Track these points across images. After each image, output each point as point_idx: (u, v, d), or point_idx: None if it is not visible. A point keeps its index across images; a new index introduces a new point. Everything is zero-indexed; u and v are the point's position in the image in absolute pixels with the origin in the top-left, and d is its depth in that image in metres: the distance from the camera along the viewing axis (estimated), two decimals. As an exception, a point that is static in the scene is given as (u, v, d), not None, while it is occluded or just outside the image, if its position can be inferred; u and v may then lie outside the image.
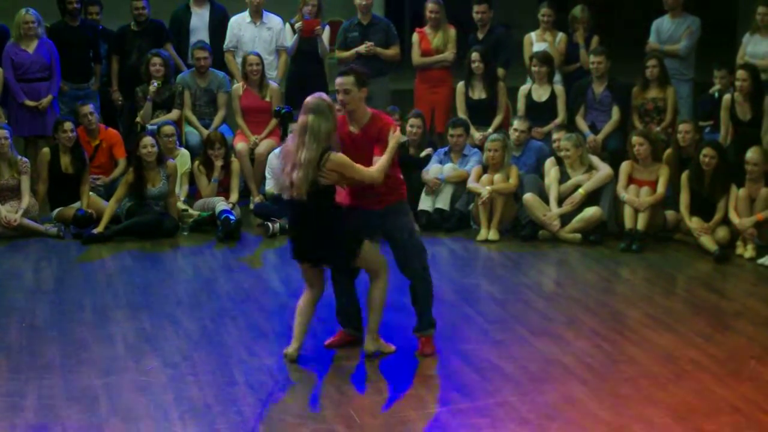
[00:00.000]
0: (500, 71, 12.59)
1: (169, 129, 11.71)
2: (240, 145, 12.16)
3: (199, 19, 13.15)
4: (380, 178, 7.38)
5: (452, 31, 12.93)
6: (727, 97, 11.54)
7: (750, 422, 6.70)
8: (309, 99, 7.36)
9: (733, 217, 10.54)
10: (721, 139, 11.41)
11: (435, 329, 7.85)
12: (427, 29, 12.95)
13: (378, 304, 7.67)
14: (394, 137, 7.48)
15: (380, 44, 12.86)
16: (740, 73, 11.32)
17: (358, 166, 7.34)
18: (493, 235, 10.99)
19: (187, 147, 12.11)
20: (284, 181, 7.37)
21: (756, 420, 6.73)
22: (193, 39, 12.96)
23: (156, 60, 12.29)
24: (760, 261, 10.19)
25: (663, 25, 12.98)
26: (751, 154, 10.60)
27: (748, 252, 10.38)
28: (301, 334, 7.67)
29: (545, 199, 11.08)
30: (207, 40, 12.89)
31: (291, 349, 7.64)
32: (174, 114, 12.35)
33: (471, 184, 11.25)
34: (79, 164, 11.36)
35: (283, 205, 11.10)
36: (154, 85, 12.21)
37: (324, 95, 7.39)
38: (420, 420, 6.79)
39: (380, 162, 7.36)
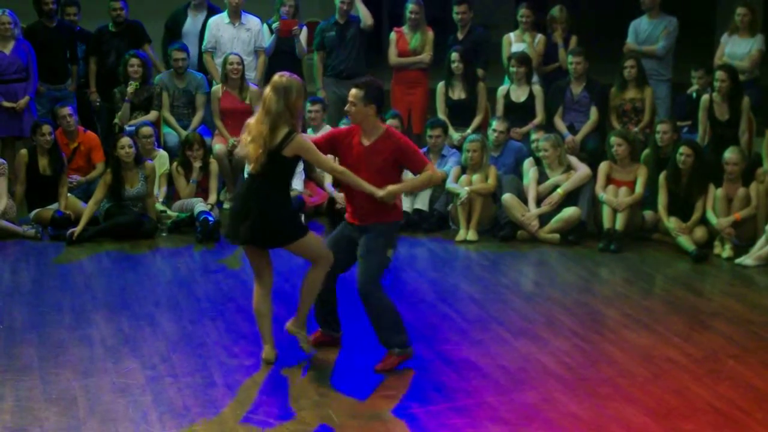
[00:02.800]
0: (480, 72, 12.60)
1: (147, 130, 11.68)
2: (218, 146, 12.14)
3: (193, 24, 13.15)
4: (339, 178, 7.53)
5: (430, 34, 12.93)
6: (705, 97, 11.58)
7: (728, 421, 6.73)
8: (276, 75, 7.39)
9: (711, 217, 10.59)
10: (699, 139, 11.45)
11: (398, 349, 7.57)
12: (405, 29, 12.95)
13: (308, 288, 7.55)
14: (430, 175, 7.58)
15: (357, 43, 12.87)
16: (719, 74, 11.36)
17: (322, 156, 7.38)
18: (471, 235, 11.00)
19: (165, 148, 12.09)
20: (242, 150, 7.52)
21: (734, 419, 6.76)
22: (179, 43, 12.96)
23: (134, 61, 12.26)
24: (738, 261, 10.23)
25: (641, 25, 13.00)
26: (730, 154, 10.66)
27: (726, 252, 10.42)
28: (269, 334, 7.64)
29: (524, 200, 11.09)
30: (197, 45, 12.90)
31: (266, 353, 7.63)
32: (152, 115, 12.32)
33: (450, 184, 11.26)
34: (57, 166, 11.31)
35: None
36: (132, 86, 12.18)
37: (291, 76, 7.35)
38: (399, 420, 6.79)
39: (359, 179, 7.40)
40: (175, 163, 11.68)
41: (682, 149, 10.65)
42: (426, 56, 12.83)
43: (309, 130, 12.05)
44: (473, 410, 6.90)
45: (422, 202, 11.43)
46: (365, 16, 12.87)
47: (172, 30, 13.28)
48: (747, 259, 10.19)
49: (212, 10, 13.23)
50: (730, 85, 11.31)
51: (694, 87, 12.24)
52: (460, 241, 10.96)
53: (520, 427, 6.69)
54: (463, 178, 11.20)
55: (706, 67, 12.21)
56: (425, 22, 12.95)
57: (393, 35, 13.04)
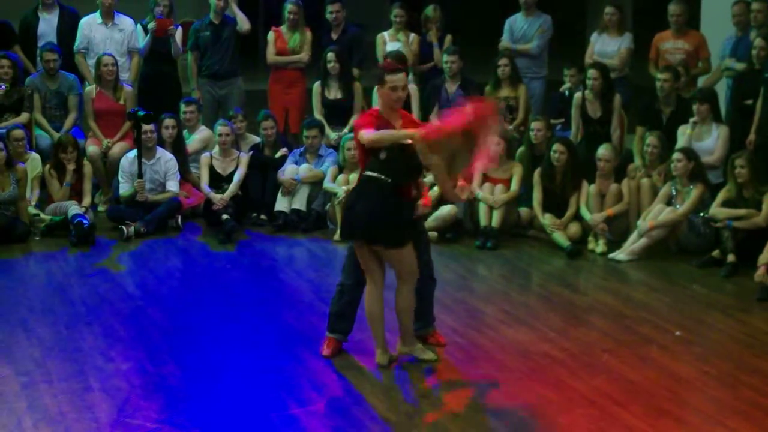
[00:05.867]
0: (355, 71, 12.62)
1: (18, 133, 11.47)
2: (92, 148, 11.97)
3: (47, 25, 12.88)
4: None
5: (309, 34, 12.92)
6: (578, 95, 11.75)
7: (604, 414, 6.83)
8: None
9: (585, 213, 10.75)
10: (572, 136, 11.62)
11: (331, 333, 7.82)
12: (283, 29, 12.92)
13: (406, 309, 7.60)
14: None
15: (232, 43, 12.81)
16: (591, 72, 11.53)
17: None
18: (349, 234, 10.99)
19: (37, 150, 11.87)
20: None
21: (609, 412, 6.86)
22: (41, 45, 12.70)
23: (4, 62, 12.02)
24: (611, 256, 10.40)
25: (516, 23, 13.17)
26: (603, 150, 10.84)
27: (600, 247, 10.58)
28: (384, 337, 7.62)
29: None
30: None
31: (378, 356, 7.60)
32: (23, 117, 12.09)
33: (327, 184, 11.26)
34: (-76, 170, 11.06)
35: (138, 208, 11.12)
36: (1, 87, 11.94)
37: None
38: (280, 421, 6.76)
39: None
40: (47, 166, 11.49)
41: (556, 147, 10.80)
42: (304, 56, 12.82)
43: (185, 132, 11.97)
44: (352, 410, 6.91)
45: (300, 202, 11.40)
46: (242, 22, 12.78)
47: (25, 33, 12.98)
48: (620, 254, 10.36)
49: (64, 9, 13.02)
50: (601, 83, 11.49)
51: (567, 85, 12.44)
52: (338, 241, 10.96)
53: (401, 425, 6.71)
54: (341, 177, 11.21)
55: (578, 66, 12.42)
56: (304, 22, 12.94)
57: (271, 35, 12.99)
